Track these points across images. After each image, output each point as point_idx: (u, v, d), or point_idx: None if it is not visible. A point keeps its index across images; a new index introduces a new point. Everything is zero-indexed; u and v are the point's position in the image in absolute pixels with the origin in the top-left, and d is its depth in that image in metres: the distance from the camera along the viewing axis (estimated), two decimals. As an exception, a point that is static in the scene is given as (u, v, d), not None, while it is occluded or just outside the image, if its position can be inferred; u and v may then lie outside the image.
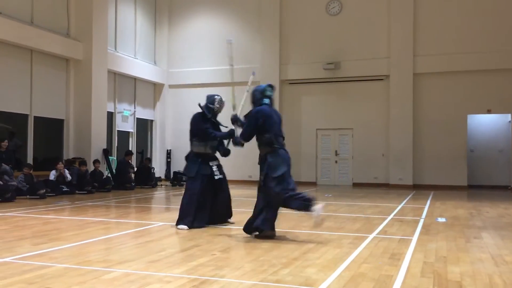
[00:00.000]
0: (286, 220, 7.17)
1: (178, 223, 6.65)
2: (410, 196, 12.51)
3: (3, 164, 10.76)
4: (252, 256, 4.81)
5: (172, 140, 18.50)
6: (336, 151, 17.00)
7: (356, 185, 16.48)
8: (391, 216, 8.25)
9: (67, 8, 14.40)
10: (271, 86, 6.15)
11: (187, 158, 7.00)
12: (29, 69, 13.24)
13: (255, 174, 16.30)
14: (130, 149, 16.81)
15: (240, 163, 15.67)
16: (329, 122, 16.97)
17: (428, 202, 10.87)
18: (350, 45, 16.63)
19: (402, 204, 10.27)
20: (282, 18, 17.41)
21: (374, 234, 6.23)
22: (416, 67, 15.94)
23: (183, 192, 6.85)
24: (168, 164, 18.34)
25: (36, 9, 13.37)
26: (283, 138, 5.96)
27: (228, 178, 7.12)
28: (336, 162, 17.01)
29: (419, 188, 15.26)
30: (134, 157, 16.57)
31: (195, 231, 6.33)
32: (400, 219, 7.90)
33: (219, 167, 6.98)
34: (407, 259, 4.71)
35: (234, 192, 13.19)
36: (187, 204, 6.66)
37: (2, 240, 5.53)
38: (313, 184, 16.66)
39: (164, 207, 10.61)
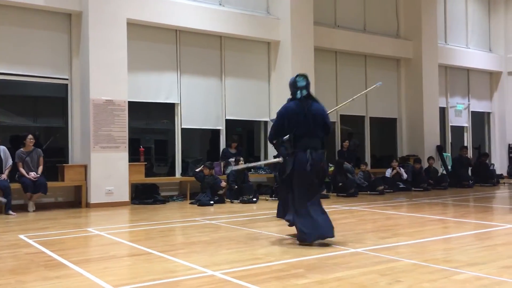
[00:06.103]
0: None
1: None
2: None
3: (345, 162, 11.95)
4: None
5: (515, 134, 16.65)
6: None
7: None
8: None
9: (396, 10, 14.83)
10: (302, 75, 5.40)
11: None
12: (363, 73, 14.24)
13: None
14: (465, 144, 15.99)
15: None
16: None
17: None
18: None
19: None
20: None
21: None
22: None
23: None
24: (511, 159, 16.55)
25: (368, 16, 14.26)
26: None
27: None
28: None
29: None
30: (470, 153, 15.67)
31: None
32: None
33: None
34: None
35: None
36: None
37: (352, 231, 6.08)
38: None
39: (508, 207, 9.58)
